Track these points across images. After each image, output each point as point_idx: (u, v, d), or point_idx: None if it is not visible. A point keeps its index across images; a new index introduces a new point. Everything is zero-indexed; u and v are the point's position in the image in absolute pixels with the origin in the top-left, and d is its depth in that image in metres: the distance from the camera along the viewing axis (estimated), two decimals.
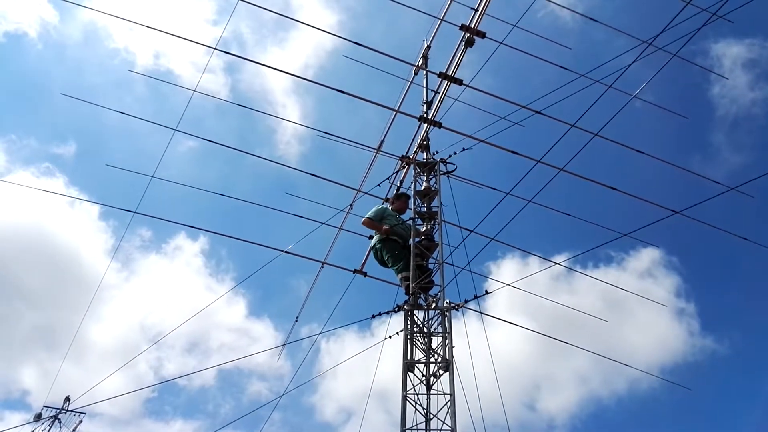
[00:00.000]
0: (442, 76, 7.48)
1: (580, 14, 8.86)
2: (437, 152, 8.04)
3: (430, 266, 7.28)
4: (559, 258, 8.23)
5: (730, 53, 29.74)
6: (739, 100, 31.16)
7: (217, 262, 37.39)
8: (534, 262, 8.59)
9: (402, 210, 7.81)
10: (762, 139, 29.76)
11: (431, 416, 6.17)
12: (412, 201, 7.77)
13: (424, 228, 7.61)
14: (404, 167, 8.12)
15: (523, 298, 7.81)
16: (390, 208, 7.81)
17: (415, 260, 7.09)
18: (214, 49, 7.11)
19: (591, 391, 29.35)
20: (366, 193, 8.02)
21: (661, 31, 6.44)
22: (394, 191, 8.23)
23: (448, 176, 7.81)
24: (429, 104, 7.91)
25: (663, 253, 28.50)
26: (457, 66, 7.43)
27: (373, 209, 7.74)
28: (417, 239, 7.38)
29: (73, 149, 35.17)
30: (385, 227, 7.42)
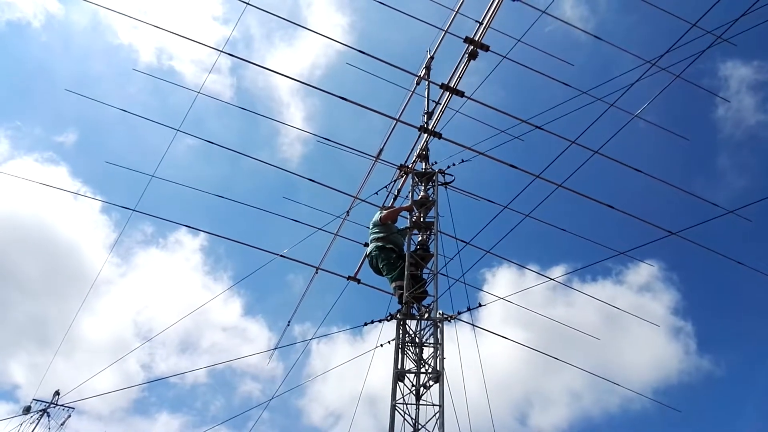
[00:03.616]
0: (444, 87, 7.51)
1: (581, 30, 8.90)
2: (436, 162, 8.07)
3: (425, 276, 7.29)
4: (557, 270, 8.29)
5: (737, 74, 29.85)
6: (745, 122, 31.23)
7: (216, 260, 37.44)
8: (531, 272, 8.61)
9: (390, 218, 7.77)
10: (767, 163, 29.73)
11: (420, 426, 6.16)
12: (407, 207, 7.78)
13: (420, 238, 7.62)
14: (403, 176, 8.15)
15: (519, 309, 7.83)
16: (380, 217, 7.76)
17: (409, 270, 7.10)
18: (221, 51, 7.15)
19: (583, 408, 29.28)
20: (363, 200, 8.05)
21: (665, 52, 6.43)
22: (392, 200, 8.25)
23: (446, 187, 7.83)
24: (430, 114, 7.95)
25: (663, 269, 28.47)
26: (459, 78, 7.47)
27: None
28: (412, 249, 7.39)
29: (74, 138, 35.26)
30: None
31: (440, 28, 7.65)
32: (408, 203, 7.84)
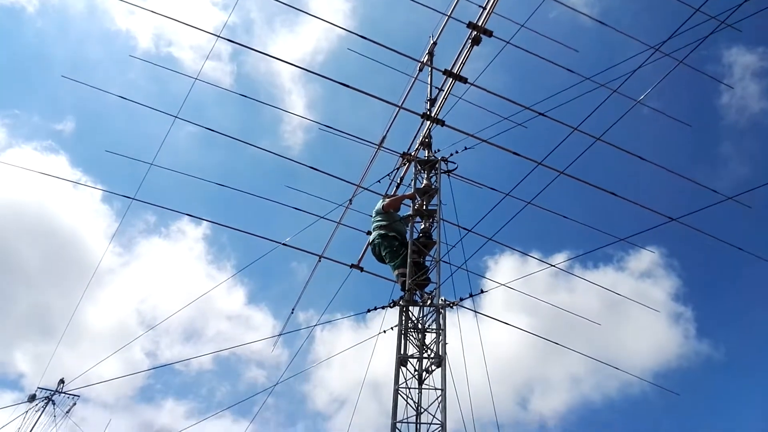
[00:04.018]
0: (447, 73, 7.46)
1: (586, 15, 8.82)
2: (439, 150, 8.06)
3: (427, 264, 7.33)
4: (559, 256, 8.30)
5: (741, 61, 29.55)
6: (749, 109, 31.02)
7: (219, 249, 37.47)
8: (533, 258, 8.64)
9: (393, 206, 7.78)
10: None
11: (422, 410, 6.23)
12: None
13: (423, 225, 7.64)
14: (405, 164, 8.14)
15: (521, 296, 7.87)
16: (383, 205, 7.77)
17: (412, 257, 7.13)
18: (218, 36, 7.10)
19: (583, 393, 29.46)
20: (366, 188, 8.04)
21: (669, 38, 6.40)
22: (394, 188, 8.26)
23: (448, 175, 7.83)
24: (433, 101, 7.91)
25: (664, 255, 28.49)
26: (463, 64, 7.42)
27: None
28: (415, 236, 7.43)
29: (73, 126, 35.11)
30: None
31: (443, 13, 7.59)
32: (411, 191, 7.85)
